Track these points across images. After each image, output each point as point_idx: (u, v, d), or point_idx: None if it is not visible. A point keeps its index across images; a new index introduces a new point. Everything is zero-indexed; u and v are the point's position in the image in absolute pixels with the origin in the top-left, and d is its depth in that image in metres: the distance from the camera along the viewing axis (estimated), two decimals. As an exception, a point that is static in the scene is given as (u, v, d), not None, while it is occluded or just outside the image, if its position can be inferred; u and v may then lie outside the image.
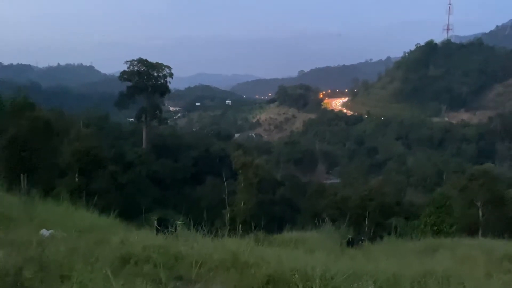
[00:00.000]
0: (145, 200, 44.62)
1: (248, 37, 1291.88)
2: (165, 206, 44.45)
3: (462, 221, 31.96)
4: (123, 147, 55.40)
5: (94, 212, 12.85)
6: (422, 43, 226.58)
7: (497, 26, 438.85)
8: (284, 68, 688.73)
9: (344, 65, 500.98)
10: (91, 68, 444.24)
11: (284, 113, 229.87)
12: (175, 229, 8.86)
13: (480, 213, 35.08)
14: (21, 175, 23.99)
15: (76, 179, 26.29)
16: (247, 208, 33.38)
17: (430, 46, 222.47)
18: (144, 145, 65.01)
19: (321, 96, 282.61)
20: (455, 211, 30.45)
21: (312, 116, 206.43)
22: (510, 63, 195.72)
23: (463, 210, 34.69)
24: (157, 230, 9.50)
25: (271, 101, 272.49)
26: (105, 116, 69.18)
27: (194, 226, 9.49)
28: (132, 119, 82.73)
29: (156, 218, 9.99)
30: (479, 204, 35.06)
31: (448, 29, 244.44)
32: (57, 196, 23.73)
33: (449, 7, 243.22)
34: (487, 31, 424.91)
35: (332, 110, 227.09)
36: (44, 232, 8.12)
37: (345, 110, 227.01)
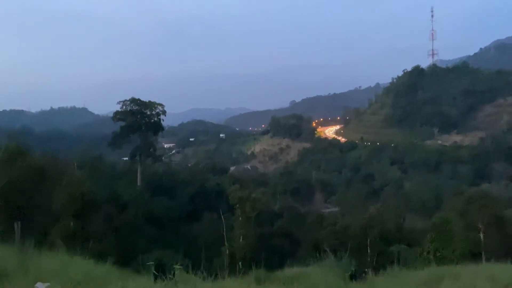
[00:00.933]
0: (142, 241, 43.73)
1: (239, 71, 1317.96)
2: (162, 246, 43.45)
3: (464, 245, 31.58)
4: (118, 188, 54.83)
5: (90, 259, 12.52)
6: (409, 69, 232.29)
7: (480, 48, 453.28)
8: (276, 99, 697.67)
9: (334, 93, 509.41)
10: (84, 110, 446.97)
11: (278, 144, 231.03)
12: (173, 274, 8.64)
13: (482, 236, 34.75)
14: (15, 224, 23.56)
15: (71, 224, 25.82)
16: (246, 243, 32.84)
17: (417, 71, 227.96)
18: (139, 184, 64.40)
19: (314, 125, 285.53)
20: (456, 235, 30.15)
21: (306, 145, 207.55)
22: (497, 83, 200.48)
23: (464, 234, 34.35)
24: (155, 275, 9.23)
25: (265, 132, 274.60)
26: (99, 157, 68.84)
27: (193, 267, 9.26)
28: (127, 158, 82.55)
29: (153, 263, 9.72)
30: (479, 226, 34.80)
31: (433, 54, 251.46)
32: (52, 244, 23.25)
33: (432, 33, 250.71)
34: (471, 53, 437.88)
35: (326, 138, 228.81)
36: (40, 285, 7.91)
37: (338, 138, 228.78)
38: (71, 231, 24.82)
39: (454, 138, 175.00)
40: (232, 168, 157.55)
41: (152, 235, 47.27)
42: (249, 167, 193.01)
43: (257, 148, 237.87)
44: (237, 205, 33.83)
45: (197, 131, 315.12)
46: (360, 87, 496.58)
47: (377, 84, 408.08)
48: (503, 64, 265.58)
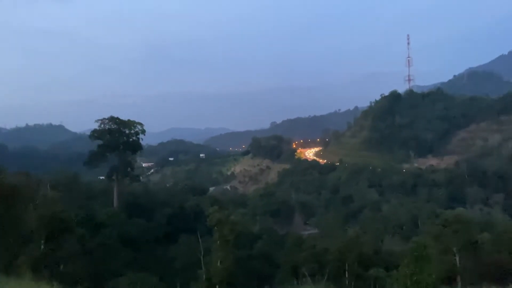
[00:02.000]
0: (116, 264, 42.37)
1: (220, 91, 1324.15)
2: (137, 269, 42.15)
3: (440, 269, 31.85)
4: (93, 208, 53.35)
5: (58, 285, 12.02)
6: (387, 93, 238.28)
7: (454, 75, 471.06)
8: (257, 120, 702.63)
9: (314, 115, 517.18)
10: (60, 128, 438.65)
11: (258, 165, 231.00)
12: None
13: (457, 259, 35.18)
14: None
15: (42, 247, 24.80)
16: (224, 267, 32.17)
17: (394, 95, 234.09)
18: (115, 205, 62.90)
19: (294, 146, 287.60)
20: (432, 260, 30.39)
21: (286, 166, 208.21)
22: (470, 110, 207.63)
23: (440, 258, 34.69)
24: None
25: (245, 153, 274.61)
26: (74, 176, 67.15)
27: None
28: (103, 177, 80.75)
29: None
30: (455, 250, 35.24)
31: (409, 80, 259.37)
32: (20, 268, 22.23)
33: (408, 60, 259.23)
34: (445, 80, 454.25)
35: (306, 160, 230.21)
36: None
37: (318, 159, 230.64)
38: (41, 254, 23.81)
39: (430, 161, 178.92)
40: (211, 189, 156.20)
41: (127, 257, 45.90)
42: (228, 187, 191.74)
43: (237, 168, 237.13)
44: (216, 228, 33.27)
45: (177, 150, 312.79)
46: (339, 110, 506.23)
47: (356, 108, 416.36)
48: (475, 91, 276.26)
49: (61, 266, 26.51)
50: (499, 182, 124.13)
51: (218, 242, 33.59)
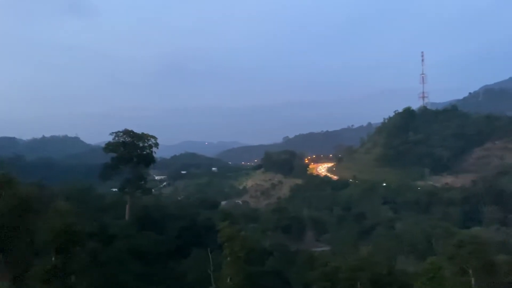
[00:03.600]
0: (127, 277, 42.36)
1: (233, 105, 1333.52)
2: (148, 283, 42.17)
3: (455, 290, 31.07)
4: (105, 220, 53.67)
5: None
6: (400, 110, 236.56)
7: (469, 93, 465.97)
8: (269, 134, 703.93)
9: (327, 131, 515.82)
10: (76, 139, 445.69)
11: (270, 179, 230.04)
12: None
13: (473, 281, 34.23)
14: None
15: (53, 259, 24.97)
16: (234, 283, 31.88)
17: (408, 112, 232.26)
18: (127, 217, 63.19)
19: (306, 161, 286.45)
20: (446, 281, 29.68)
21: (299, 181, 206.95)
22: (485, 127, 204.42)
23: (454, 279, 33.81)
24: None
25: (257, 167, 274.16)
26: (88, 188, 67.87)
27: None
28: (116, 190, 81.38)
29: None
30: (470, 271, 34.32)
31: (423, 97, 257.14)
32: (31, 279, 22.41)
33: (423, 77, 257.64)
34: (460, 97, 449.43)
35: (318, 175, 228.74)
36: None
37: (330, 175, 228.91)
38: (51, 267, 23.96)
39: (445, 179, 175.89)
40: (223, 203, 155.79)
41: (138, 270, 45.87)
42: (240, 202, 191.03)
43: (249, 183, 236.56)
44: (226, 244, 33.09)
45: (189, 164, 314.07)
46: (352, 125, 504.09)
47: (369, 124, 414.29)
48: (491, 108, 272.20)
49: (72, 279, 26.60)
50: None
51: (229, 258, 33.39)
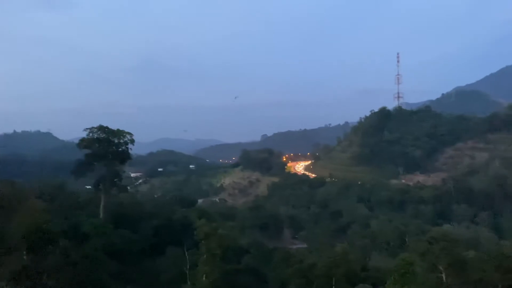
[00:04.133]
0: (101, 276, 41.49)
1: (212, 103, 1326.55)
2: (123, 282, 41.47)
3: (426, 286, 31.95)
4: (78, 218, 52.46)
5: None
6: (376, 110, 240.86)
7: (442, 94, 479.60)
8: (248, 132, 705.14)
9: (305, 129, 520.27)
10: (48, 135, 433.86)
11: (248, 177, 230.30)
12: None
13: (444, 277, 35.28)
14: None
15: (24, 258, 24.23)
16: (210, 281, 31.79)
17: (384, 112, 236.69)
18: (101, 215, 61.89)
19: (284, 159, 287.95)
20: (418, 277, 30.46)
21: (276, 179, 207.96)
22: (457, 128, 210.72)
23: (426, 275, 34.77)
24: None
25: (235, 165, 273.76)
26: (61, 185, 66.08)
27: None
28: (90, 187, 79.62)
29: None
30: (441, 268, 35.38)
31: (398, 97, 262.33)
32: (1, 279, 21.67)
33: (398, 78, 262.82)
34: (434, 98, 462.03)
35: (296, 174, 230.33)
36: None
37: (308, 173, 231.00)
38: (22, 266, 23.27)
39: (418, 178, 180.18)
40: (200, 201, 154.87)
41: (112, 269, 45.03)
42: (218, 200, 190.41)
43: (227, 180, 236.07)
44: (203, 241, 32.96)
45: (166, 161, 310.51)
46: (329, 124, 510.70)
47: (346, 123, 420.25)
48: (463, 109, 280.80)
49: (44, 278, 25.91)
50: (485, 200, 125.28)
51: (205, 255, 33.28)
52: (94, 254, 42.40)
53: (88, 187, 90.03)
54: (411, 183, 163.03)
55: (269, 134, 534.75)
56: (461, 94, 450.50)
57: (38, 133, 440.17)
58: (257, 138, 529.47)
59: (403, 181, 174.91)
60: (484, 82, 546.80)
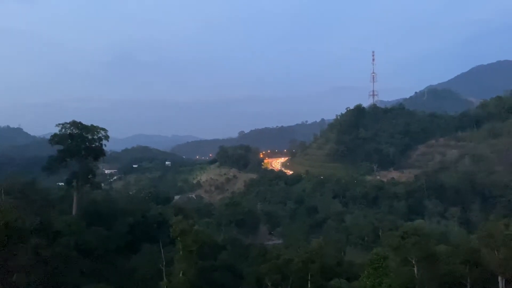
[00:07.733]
0: (74, 274, 40.60)
1: (188, 99, 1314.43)
2: (96, 280, 40.65)
3: (399, 279, 32.78)
4: (50, 216, 50.99)
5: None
6: (352, 107, 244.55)
7: (415, 92, 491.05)
8: (225, 129, 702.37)
9: (282, 126, 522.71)
10: (19, 130, 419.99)
11: (225, 174, 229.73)
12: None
13: (416, 270, 36.31)
14: None
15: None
16: (186, 278, 31.61)
17: (359, 109, 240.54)
18: (74, 212, 60.42)
19: (261, 156, 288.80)
20: (391, 271, 31.23)
21: (253, 176, 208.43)
22: (429, 125, 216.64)
23: (399, 268, 35.69)
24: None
25: (212, 161, 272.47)
26: (31, 182, 63.94)
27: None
28: (63, 184, 77.55)
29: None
30: (413, 261, 36.39)
31: (373, 95, 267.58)
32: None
33: (373, 76, 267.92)
34: (407, 96, 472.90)
35: (272, 170, 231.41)
36: None
37: (284, 170, 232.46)
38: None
39: (392, 174, 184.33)
40: (176, 197, 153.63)
41: (85, 267, 44.13)
42: (194, 196, 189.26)
43: (203, 177, 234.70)
44: (179, 238, 32.69)
45: (142, 157, 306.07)
46: (306, 121, 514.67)
47: (322, 120, 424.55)
48: (434, 107, 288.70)
49: (14, 277, 25.15)
50: (455, 195, 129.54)
51: (181, 252, 33.06)
52: (66, 252, 41.38)
53: (60, 184, 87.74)
54: (385, 180, 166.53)
55: (246, 130, 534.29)
56: (433, 92, 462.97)
57: (7, 128, 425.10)
58: (234, 134, 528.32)
59: (378, 177, 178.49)
60: (455, 81, 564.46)
